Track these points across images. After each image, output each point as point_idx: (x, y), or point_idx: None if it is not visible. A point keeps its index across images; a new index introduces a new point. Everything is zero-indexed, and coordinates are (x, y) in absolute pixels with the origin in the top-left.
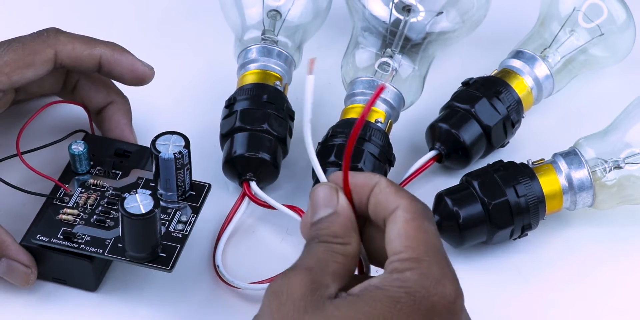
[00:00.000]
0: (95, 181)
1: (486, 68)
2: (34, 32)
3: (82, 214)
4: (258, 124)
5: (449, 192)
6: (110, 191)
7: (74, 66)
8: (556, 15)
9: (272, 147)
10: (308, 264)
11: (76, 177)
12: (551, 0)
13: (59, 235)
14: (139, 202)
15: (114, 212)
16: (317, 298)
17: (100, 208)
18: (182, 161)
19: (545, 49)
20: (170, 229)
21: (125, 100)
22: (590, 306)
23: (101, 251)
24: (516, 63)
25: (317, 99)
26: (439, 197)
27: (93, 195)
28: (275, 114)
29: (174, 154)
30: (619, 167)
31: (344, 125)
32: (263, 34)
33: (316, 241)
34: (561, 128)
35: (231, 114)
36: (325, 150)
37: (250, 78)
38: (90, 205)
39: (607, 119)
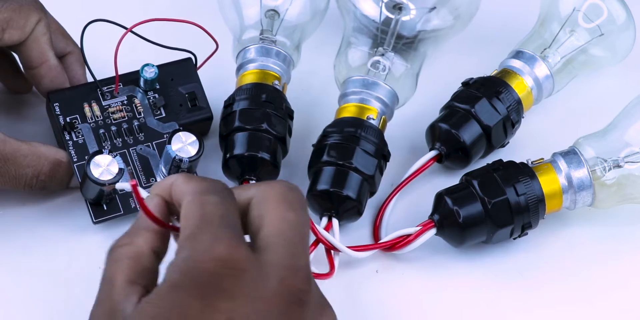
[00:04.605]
0: (139, 103)
1: (486, 68)
2: None
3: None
4: (257, 123)
5: (448, 191)
6: (137, 123)
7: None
8: (556, 15)
9: (271, 146)
10: (98, 297)
11: (137, 89)
12: (551, 0)
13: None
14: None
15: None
16: None
17: (113, 127)
18: (181, 166)
19: (545, 49)
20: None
21: (79, 50)
22: (590, 305)
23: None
24: (516, 63)
25: (312, 99)
26: (439, 197)
27: (122, 113)
28: (275, 113)
29: (176, 154)
30: (618, 166)
31: (337, 125)
32: (261, 33)
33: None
34: (561, 128)
35: (230, 114)
36: (318, 151)
37: (249, 78)
38: (114, 119)
39: (606, 119)
